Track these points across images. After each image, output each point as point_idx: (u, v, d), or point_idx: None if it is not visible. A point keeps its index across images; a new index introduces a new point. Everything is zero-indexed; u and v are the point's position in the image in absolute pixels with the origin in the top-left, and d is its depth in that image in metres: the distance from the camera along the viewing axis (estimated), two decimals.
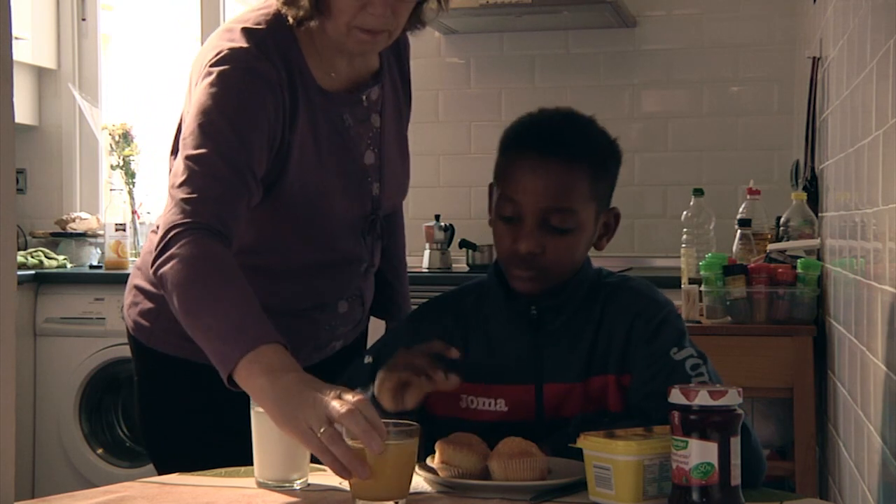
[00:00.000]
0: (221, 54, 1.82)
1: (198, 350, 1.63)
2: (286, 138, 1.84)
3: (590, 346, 1.71)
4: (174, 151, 1.93)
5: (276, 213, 1.88)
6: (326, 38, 1.86)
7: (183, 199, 1.72)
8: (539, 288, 1.72)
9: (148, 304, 1.99)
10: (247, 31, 1.85)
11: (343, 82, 1.95)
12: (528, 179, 1.68)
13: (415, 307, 1.88)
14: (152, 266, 1.71)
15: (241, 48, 1.83)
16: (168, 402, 2.04)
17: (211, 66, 1.82)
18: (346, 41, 1.84)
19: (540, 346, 1.72)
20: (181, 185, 1.75)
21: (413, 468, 1.47)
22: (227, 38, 1.85)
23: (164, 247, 1.69)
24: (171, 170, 1.86)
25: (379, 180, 2.00)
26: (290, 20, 1.85)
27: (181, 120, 1.91)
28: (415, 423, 1.48)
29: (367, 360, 1.78)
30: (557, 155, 1.68)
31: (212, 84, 1.80)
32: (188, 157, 1.76)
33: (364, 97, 1.97)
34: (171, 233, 1.69)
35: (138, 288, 2.02)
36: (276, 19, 1.87)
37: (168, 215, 1.73)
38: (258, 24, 1.86)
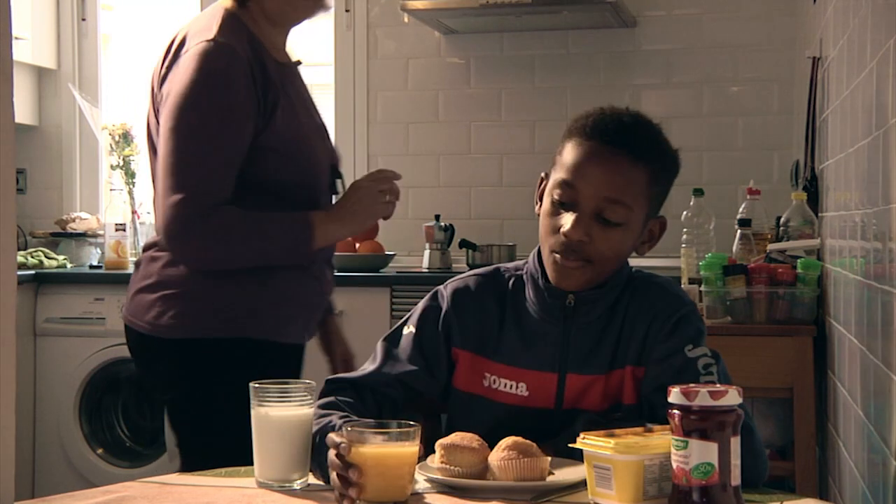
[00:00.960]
0: (200, 62, 2.11)
1: (251, 322, 2.14)
2: (269, 101, 2.17)
3: (615, 341, 1.74)
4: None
5: (276, 154, 2.19)
6: (265, 16, 2.23)
7: (184, 197, 2.08)
8: (575, 283, 1.74)
9: (183, 303, 2.16)
10: (219, 32, 2.15)
11: (284, 58, 2.30)
12: (591, 167, 1.71)
13: (456, 281, 1.87)
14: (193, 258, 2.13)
15: (214, 48, 2.12)
16: (215, 391, 2.14)
17: (192, 73, 2.10)
18: (292, 9, 2.25)
19: (569, 336, 1.74)
20: (176, 185, 2.09)
21: (413, 469, 1.47)
22: (200, 48, 2.12)
23: (195, 231, 2.09)
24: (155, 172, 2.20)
25: (328, 138, 2.39)
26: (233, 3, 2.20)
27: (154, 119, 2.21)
28: (416, 423, 1.48)
29: (409, 329, 1.80)
30: (624, 149, 1.71)
31: (195, 94, 2.10)
32: (182, 159, 2.10)
33: (298, 72, 2.36)
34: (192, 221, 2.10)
35: (166, 296, 2.16)
36: (228, 16, 2.19)
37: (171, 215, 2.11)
38: (219, 24, 2.16)
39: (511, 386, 1.75)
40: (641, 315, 1.74)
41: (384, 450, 1.45)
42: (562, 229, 1.71)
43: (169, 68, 2.16)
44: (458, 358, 1.79)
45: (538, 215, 1.78)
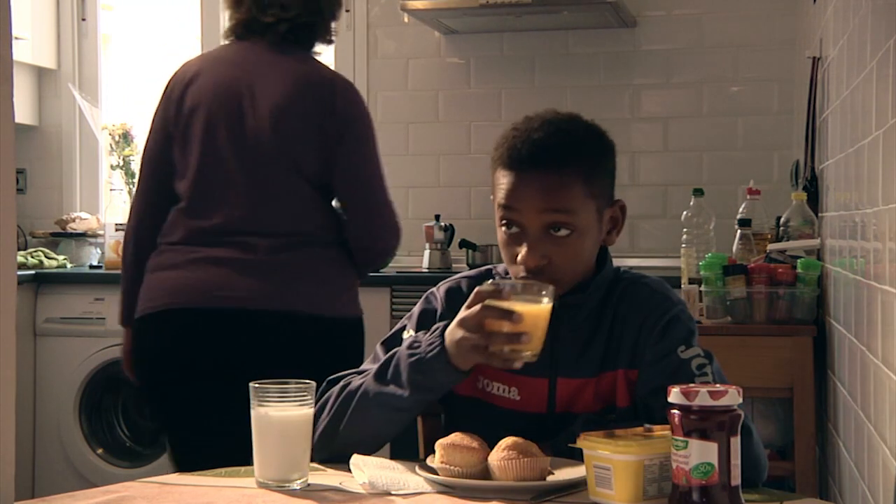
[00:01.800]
0: (361, 99, 2.73)
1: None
2: None
3: (604, 343, 1.73)
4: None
5: None
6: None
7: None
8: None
9: (352, 285, 2.64)
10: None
11: None
12: (522, 193, 1.69)
13: (448, 282, 1.87)
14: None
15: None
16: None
17: (364, 108, 2.74)
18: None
19: (557, 341, 1.73)
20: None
21: (546, 327, 1.58)
22: (354, 89, 2.72)
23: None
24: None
25: None
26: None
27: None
28: (546, 284, 1.59)
29: (409, 333, 1.79)
30: (545, 166, 1.69)
31: (372, 125, 2.77)
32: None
33: None
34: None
35: (346, 284, 2.63)
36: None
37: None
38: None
39: (503, 389, 1.75)
40: (630, 316, 1.73)
41: (531, 304, 1.57)
42: (518, 259, 1.71)
43: (338, 104, 2.60)
44: None
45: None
